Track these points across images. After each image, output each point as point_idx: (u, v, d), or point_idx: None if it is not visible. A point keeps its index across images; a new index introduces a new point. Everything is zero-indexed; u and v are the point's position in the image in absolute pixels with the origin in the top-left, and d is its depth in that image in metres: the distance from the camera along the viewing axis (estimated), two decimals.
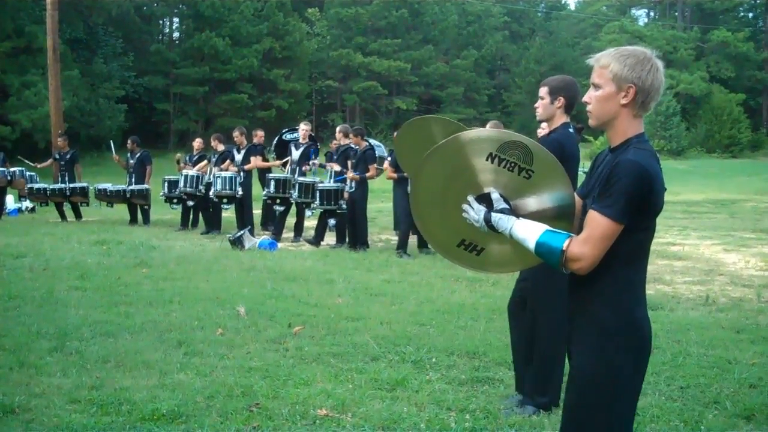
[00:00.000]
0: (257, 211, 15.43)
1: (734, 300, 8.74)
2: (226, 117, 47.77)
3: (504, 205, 2.90)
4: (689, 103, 56.09)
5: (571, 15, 69.65)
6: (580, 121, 5.21)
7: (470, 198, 2.95)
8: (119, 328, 6.81)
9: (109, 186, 16.75)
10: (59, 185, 16.90)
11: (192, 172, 15.37)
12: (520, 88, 56.63)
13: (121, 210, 17.53)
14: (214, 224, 15.16)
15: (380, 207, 19.80)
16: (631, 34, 56.80)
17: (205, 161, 15.71)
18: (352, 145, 12.93)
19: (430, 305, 8.10)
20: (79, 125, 39.09)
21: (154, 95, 49.51)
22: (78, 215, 17.11)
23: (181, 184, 15.36)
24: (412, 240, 12.60)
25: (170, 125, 49.90)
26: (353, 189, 12.65)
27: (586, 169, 3.23)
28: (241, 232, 12.70)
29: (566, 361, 3.12)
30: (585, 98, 2.89)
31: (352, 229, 12.87)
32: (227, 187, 14.30)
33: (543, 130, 6.10)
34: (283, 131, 16.08)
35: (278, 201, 13.95)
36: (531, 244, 2.79)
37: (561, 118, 4.97)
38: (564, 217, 2.93)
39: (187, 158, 16.47)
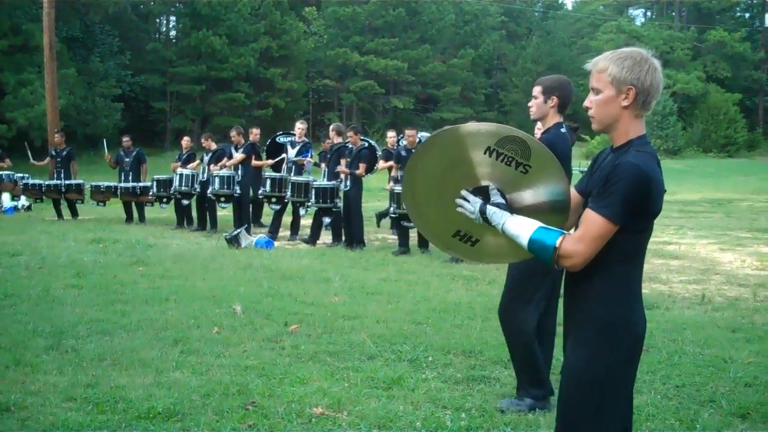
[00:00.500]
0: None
1: (730, 299, 8.76)
2: (223, 116, 47.77)
3: (500, 200, 2.91)
4: (686, 102, 56.16)
5: (568, 14, 69.70)
6: (576, 120, 5.22)
7: (465, 191, 2.96)
8: (115, 326, 6.81)
9: (108, 184, 16.67)
10: (54, 181, 16.88)
11: (186, 171, 15.36)
12: (517, 87, 56.64)
13: (117, 208, 17.52)
14: (210, 223, 15.16)
15: (377, 206, 19.80)
16: (628, 33, 56.83)
17: (198, 160, 15.72)
18: (348, 144, 12.93)
19: (426, 304, 8.10)
20: (75, 123, 39.05)
21: (150, 94, 49.44)
22: (74, 213, 17.08)
23: (176, 182, 15.34)
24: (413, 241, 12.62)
25: (167, 124, 49.83)
26: (348, 188, 12.65)
27: (584, 169, 3.23)
28: (238, 230, 12.70)
29: (559, 357, 3.12)
30: (586, 103, 2.89)
31: (348, 227, 12.87)
32: (225, 186, 14.30)
33: (538, 129, 6.12)
34: (277, 134, 16.09)
35: (274, 200, 13.97)
36: (524, 241, 2.80)
37: (554, 118, 4.97)
38: (558, 211, 2.94)
39: (177, 157, 16.48)
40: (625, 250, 2.77)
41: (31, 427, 4.48)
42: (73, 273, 9.46)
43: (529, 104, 5.07)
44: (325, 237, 13.71)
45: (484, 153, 2.90)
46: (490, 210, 2.89)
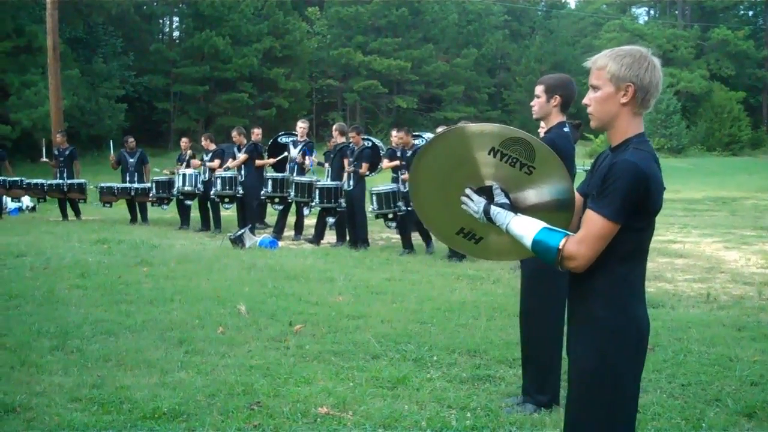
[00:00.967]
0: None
1: (735, 297, 8.74)
2: (227, 116, 47.73)
3: (504, 200, 2.91)
4: (689, 101, 56.05)
5: (571, 13, 69.60)
6: (579, 118, 5.21)
7: (470, 190, 2.96)
8: (120, 326, 6.81)
9: (124, 185, 16.67)
10: (56, 181, 16.90)
11: (189, 171, 15.39)
12: (521, 86, 56.55)
13: (122, 209, 17.53)
14: (214, 223, 15.18)
15: None
16: (631, 32, 56.77)
17: (198, 161, 15.75)
18: (351, 144, 12.93)
19: (430, 303, 8.09)
20: (79, 124, 39.05)
21: (154, 94, 49.44)
22: (77, 213, 17.08)
23: (179, 183, 15.36)
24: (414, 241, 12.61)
25: (170, 124, 49.84)
26: (351, 187, 12.64)
27: (587, 168, 3.23)
28: (242, 230, 12.70)
29: (566, 359, 3.12)
30: (585, 100, 2.90)
31: (352, 227, 12.87)
32: (227, 187, 14.32)
33: (542, 129, 6.11)
34: (279, 134, 16.09)
35: (277, 200, 13.99)
36: (528, 242, 2.81)
37: (557, 117, 4.96)
38: (563, 209, 2.95)
39: (178, 158, 16.50)
40: (626, 249, 2.77)
41: (37, 428, 4.48)
42: (77, 273, 9.47)
43: (532, 103, 5.06)
44: (330, 237, 13.71)
45: (489, 153, 2.91)
46: (494, 210, 2.89)
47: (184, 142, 16.56)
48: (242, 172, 14.46)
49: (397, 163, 12.53)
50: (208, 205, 15.23)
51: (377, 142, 14.80)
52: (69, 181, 16.70)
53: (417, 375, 5.59)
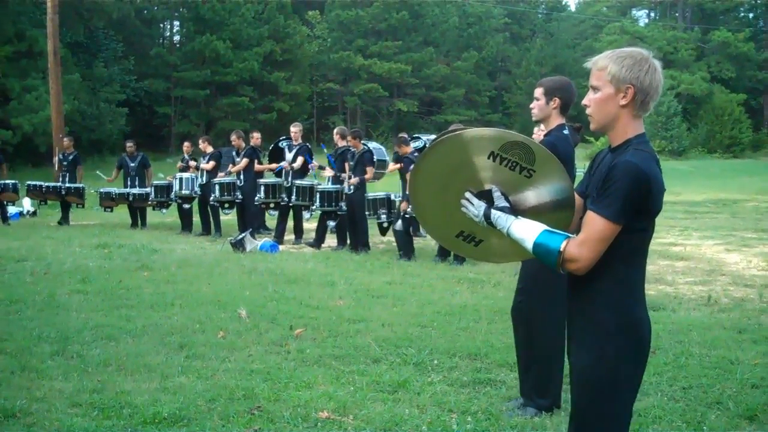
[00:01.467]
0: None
1: (736, 300, 8.73)
2: (227, 120, 47.79)
3: (504, 203, 2.91)
4: (690, 103, 56.04)
5: (571, 16, 69.65)
6: (580, 121, 5.20)
7: (470, 194, 2.96)
8: (120, 331, 6.81)
9: (125, 190, 16.67)
10: (55, 184, 16.89)
11: (186, 175, 15.43)
12: (521, 89, 56.56)
13: (123, 213, 17.54)
14: (214, 227, 15.20)
15: None
16: (631, 34, 56.77)
17: (193, 162, 15.79)
18: (351, 148, 12.94)
19: (431, 307, 8.09)
20: (80, 129, 39.09)
21: (155, 99, 49.50)
22: (65, 218, 16.97)
23: (176, 187, 15.39)
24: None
25: (171, 129, 49.89)
26: (352, 191, 12.65)
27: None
28: (243, 234, 12.70)
29: (566, 361, 3.11)
30: (584, 101, 2.90)
31: (353, 231, 12.87)
32: (226, 193, 14.33)
33: (541, 131, 6.11)
34: (280, 139, 16.11)
35: (272, 206, 14.06)
36: (529, 245, 2.81)
37: (557, 120, 4.96)
38: (564, 210, 2.95)
39: (181, 160, 16.53)
40: (626, 250, 2.76)
41: None
42: (78, 278, 9.47)
43: (531, 106, 5.06)
44: (330, 240, 13.71)
45: (488, 158, 2.92)
46: (495, 214, 2.89)
47: (186, 146, 16.56)
48: (241, 176, 14.47)
49: (398, 166, 12.54)
50: (208, 209, 15.23)
51: (375, 146, 14.75)
52: (67, 185, 16.67)
53: (418, 379, 5.58)
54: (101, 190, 16.96)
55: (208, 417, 4.74)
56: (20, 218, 18.96)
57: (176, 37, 57.37)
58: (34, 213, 19.82)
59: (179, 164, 16.32)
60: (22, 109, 36.55)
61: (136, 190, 16.41)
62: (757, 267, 11.15)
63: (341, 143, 13.30)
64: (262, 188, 13.91)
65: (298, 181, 13.57)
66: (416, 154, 12.27)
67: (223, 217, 15.43)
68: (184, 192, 15.30)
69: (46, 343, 6.36)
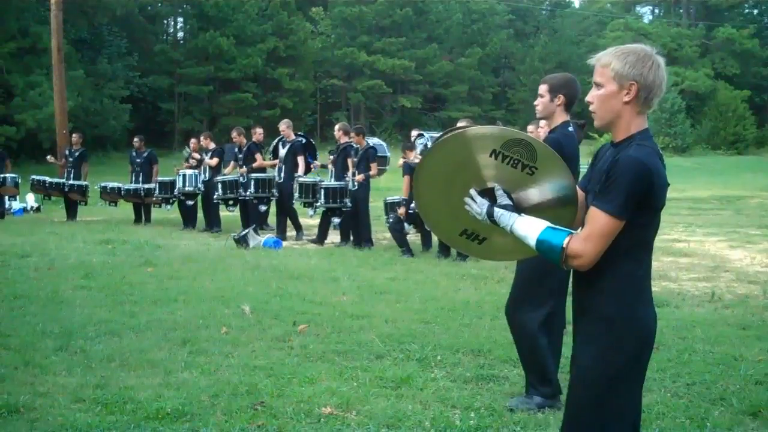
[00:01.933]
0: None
1: (740, 296, 8.72)
2: (231, 116, 47.81)
3: (507, 201, 2.90)
4: (694, 100, 55.96)
5: (575, 12, 69.53)
6: (584, 117, 5.19)
7: (473, 191, 2.96)
8: (124, 327, 6.81)
9: (119, 185, 16.68)
10: (59, 180, 16.89)
11: (189, 171, 15.43)
12: (525, 85, 56.51)
13: (126, 210, 17.56)
14: (214, 222, 15.22)
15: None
16: (635, 31, 56.65)
17: (197, 155, 15.82)
18: (354, 144, 12.94)
19: (434, 303, 8.09)
20: (83, 125, 39.03)
21: (158, 95, 49.56)
22: (72, 214, 16.98)
23: (180, 183, 15.39)
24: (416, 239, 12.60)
25: (175, 125, 49.94)
26: (356, 187, 12.65)
27: None
28: (246, 230, 12.70)
29: (567, 354, 3.11)
30: (588, 98, 2.89)
31: (356, 227, 12.87)
32: (228, 191, 14.34)
33: (541, 129, 6.10)
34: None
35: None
36: (532, 242, 2.80)
37: (561, 117, 4.95)
38: (567, 206, 2.95)
39: (186, 158, 16.53)
40: (630, 245, 2.75)
41: (40, 429, 4.48)
42: (81, 274, 9.48)
43: (536, 103, 5.05)
44: (334, 236, 13.70)
45: (490, 156, 2.91)
46: (498, 212, 2.89)
47: (193, 143, 16.52)
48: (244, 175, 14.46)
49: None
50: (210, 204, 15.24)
51: (376, 143, 14.72)
52: (70, 182, 16.65)
53: (421, 375, 5.58)
54: (101, 185, 16.95)
55: (211, 412, 4.74)
56: (24, 214, 18.99)
57: (180, 34, 57.45)
58: (38, 209, 19.83)
59: (185, 163, 16.27)
60: (25, 106, 36.60)
61: (130, 186, 16.43)
62: (761, 263, 11.14)
63: (343, 139, 13.30)
64: (253, 183, 13.93)
65: (300, 179, 13.55)
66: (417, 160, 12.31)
67: (227, 214, 15.41)
68: (188, 188, 15.30)
69: (50, 339, 6.37)
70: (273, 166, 14.95)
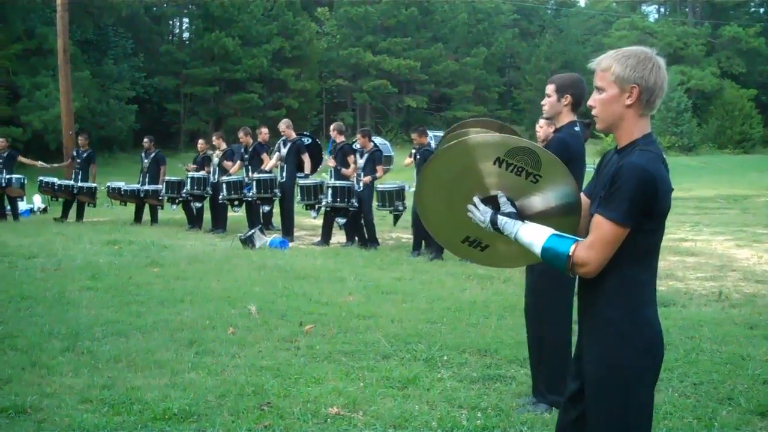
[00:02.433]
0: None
1: (747, 296, 8.69)
2: (237, 117, 47.92)
3: (510, 209, 2.90)
4: (700, 98, 55.91)
5: (581, 12, 69.51)
6: (590, 117, 5.19)
7: (476, 199, 2.95)
8: (131, 327, 6.81)
9: (122, 185, 16.72)
10: (68, 182, 16.89)
11: (198, 174, 15.43)
12: (531, 85, 56.55)
13: (133, 210, 17.57)
14: (220, 223, 15.22)
15: None
16: (641, 30, 56.67)
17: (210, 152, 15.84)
18: (356, 145, 12.96)
19: (441, 303, 8.08)
20: (89, 126, 39.18)
21: (164, 96, 49.65)
22: (80, 215, 16.98)
23: (188, 186, 15.38)
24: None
25: (180, 125, 50.04)
26: (361, 188, 12.66)
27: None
28: (252, 231, 12.70)
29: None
30: (590, 102, 2.89)
31: (361, 228, 12.88)
32: (233, 192, 14.34)
33: (541, 128, 6.09)
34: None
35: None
36: (537, 249, 2.80)
37: (568, 116, 4.94)
38: (570, 213, 2.94)
39: (194, 160, 16.53)
40: (636, 251, 2.74)
41: (47, 429, 4.48)
42: (88, 275, 9.49)
43: (542, 102, 5.03)
44: (339, 236, 13.69)
45: (494, 163, 2.91)
46: (502, 220, 2.88)
47: (201, 144, 16.49)
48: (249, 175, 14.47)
49: (411, 161, 12.57)
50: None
51: (380, 142, 14.71)
52: (79, 184, 16.65)
53: (427, 375, 5.57)
54: (108, 185, 16.97)
55: (218, 413, 4.74)
56: (31, 215, 19.01)
57: (185, 34, 57.56)
58: (45, 210, 19.86)
59: (189, 165, 16.27)
60: (32, 107, 36.72)
61: (128, 186, 16.46)
62: None
63: (339, 139, 13.32)
64: (254, 183, 13.93)
65: (302, 181, 13.52)
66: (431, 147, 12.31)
67: (234, 214, 15.42)
68: (195, 191, 15.31)
69: (57, 340, 6.38)
70: (277, 166, 14.97)
